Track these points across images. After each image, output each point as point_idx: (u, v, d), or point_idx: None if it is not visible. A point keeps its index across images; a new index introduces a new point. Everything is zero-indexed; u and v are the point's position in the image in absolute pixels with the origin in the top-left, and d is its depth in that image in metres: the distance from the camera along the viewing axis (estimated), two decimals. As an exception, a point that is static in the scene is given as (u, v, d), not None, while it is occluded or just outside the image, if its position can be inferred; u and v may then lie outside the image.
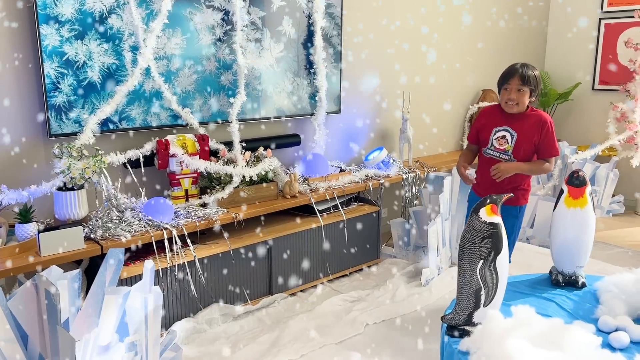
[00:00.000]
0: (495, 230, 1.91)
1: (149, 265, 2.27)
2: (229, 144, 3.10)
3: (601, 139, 4.79)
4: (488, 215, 1.91)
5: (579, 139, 5.24)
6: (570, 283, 2.41)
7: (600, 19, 5.15)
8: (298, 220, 3.26)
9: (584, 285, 2.39)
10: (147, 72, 2.80)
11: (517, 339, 1.71)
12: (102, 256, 2.48)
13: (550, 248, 2.47)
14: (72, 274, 2.02)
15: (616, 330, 2.07)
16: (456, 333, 1.98)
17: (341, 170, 3.68)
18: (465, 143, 4.84)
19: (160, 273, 2.64)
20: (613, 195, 4.69)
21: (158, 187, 3.01)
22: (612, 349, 1.94)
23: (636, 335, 2.02)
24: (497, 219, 1.92)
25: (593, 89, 5.24)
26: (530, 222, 4.00)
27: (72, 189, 2.54)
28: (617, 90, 4.86)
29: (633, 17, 4.70)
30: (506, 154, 2.62)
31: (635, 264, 3.65)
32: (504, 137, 2.61)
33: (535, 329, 1.79)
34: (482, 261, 1.91)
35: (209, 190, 3.00)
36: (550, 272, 2.50)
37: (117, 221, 2.64)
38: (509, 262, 2.45)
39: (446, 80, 4.59)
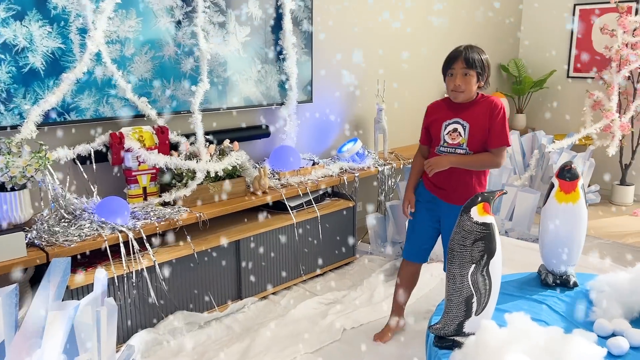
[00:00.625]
0: (488, 231, 1.73)
1: (100, 275, 2.02)
2: (191, 137, 2.85)
3: (577, 128, 4.71)
4: (480, 214, 1.73)
5: (555, 127, 5.15)
6: (561, 283, 2.25)
7: (575, 5, 5.05)
8: (269, 217, 3.03)
9: (575, 285, 2.25)
10: (97, 57, 2.52)
11: (515, 354, 1.53)
12: (49, 264, 2.21)
13: (539, 246, 2.32)
14: (8, 289, 1.76)
15: (613, 334, 1.93)
16: (446, 344, 1.79)
17: (314, 164, 3.47)
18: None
19: (116, 281, 2.38)
20: (589, 185, 4.61)
21: (113, 185, 2.73)
22: (611, 356, 1.80)
23: (635, 340, 1.87)
24: (490, 219, 1.74)
25: (568, 76, 5.15)
26: (509, 214, 3.87)
27: (12, 189, 2.25)
28: (593, 78, 4.77)
29: (609, 2, 4.60)
30: (461, 148, 2.32)
31: (615, 255, 3.56)
32: (455, 130, 2.32)
33: (534, 341, 1.62)
34: (474, 266, 1.73)
35: (170, 188, 2.74)
36: (539, 271, 2.34)
37: (66, 225, 2.36)
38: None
39: (421, 69, 4.41)
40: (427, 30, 4.41)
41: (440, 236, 2.50)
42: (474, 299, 1.75)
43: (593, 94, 4.54)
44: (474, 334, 1.75)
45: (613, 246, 3.76)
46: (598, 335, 1.90)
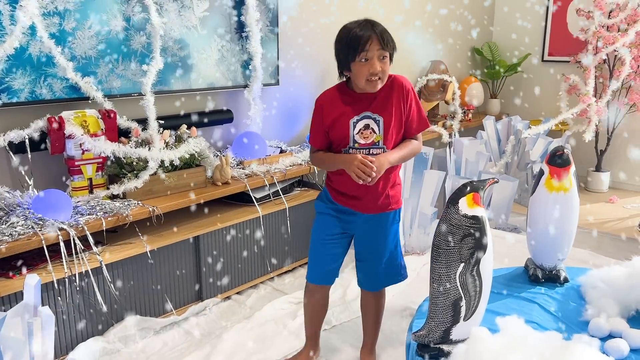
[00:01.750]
0: (478, 225, 1.52)
1: (31, 281, 1.74)
2: (143, 122, 2.56)
3: (552, 113, 4.57)
4: (469, 206, 1.52)
5: (530, 112, 5.01)
6: (551, 278, 2.08)
7: (549, -14, 4.90)
8: (232, 211, 2.78)
9: (566, 280, 2.07)
10: (32, 31, 2.21)
11: (513, 367, 1.33)
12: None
13: (527, 239, 2.13)
14: None
15: (610, 335, 1.76)
16: (431, 353, 1.59)
17: (281, 151, 3.22)
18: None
19: (56, 285, 2.10)
20: (565, 172, 4.49)
21: (52, 177, 2.43)
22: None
23: (635, 342, 1.70)
24: (481, 211, 1.53)
25: (543, 60, 5.00)
26: (485, 203, 3.71)
27: None
28: (568, 61, 4.64)
29: (584, -17, 4.46)
30: (377, 147, 1.90)
31: (594, 245, 3.44)
32: (367, 127, 1.89)
33: (531, 350, 1.43)
34: (462, 265, 1.52)
35: (119, 179, 2.46)
36: (527, 265, 2.17)
37: (-5, 222, 2.06)
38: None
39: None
40: (400, 11, 4.18)
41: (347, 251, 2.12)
42: (463, 302, 1.54)
43: (569, 78, 4.41)
44: (462, 341, 1.55)
45: (590, 235, 3.64)
46: (593, 336, 1.73)
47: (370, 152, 1.90)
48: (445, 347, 1.57)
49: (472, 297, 1.55)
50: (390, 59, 1.86)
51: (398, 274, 2.11)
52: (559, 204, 1.99)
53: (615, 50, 4.21)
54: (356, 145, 1.90)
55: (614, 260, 2.82)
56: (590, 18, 4.30)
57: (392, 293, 2.80)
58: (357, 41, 1.78)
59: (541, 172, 2.04)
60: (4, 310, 1.87)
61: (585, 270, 2.12)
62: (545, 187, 2.01)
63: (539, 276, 2.08)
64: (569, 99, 4.46)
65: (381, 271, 2.06)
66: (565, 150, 1.98)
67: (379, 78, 1.82)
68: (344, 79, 1.93)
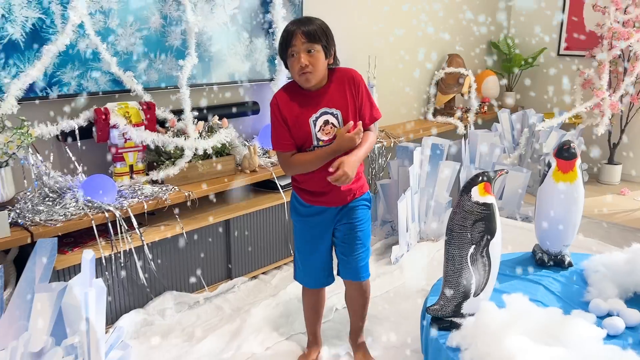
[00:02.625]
0: (488, 211, 1.69)
1: (87, 256, 1.96)
2: (178, 113, 2.76)
3: (567, 106, 4.68)
4: (481, 194, 1.69)
5: (545, 106, 5.13)
6: (556, 263, 2.24)
7: (566, -18, 4.98)
8: (259, 196, 2.97)
9: (570, 264, 2.24)
10: (80, 29, 2.41)
11: (516, 336, 1.52)
12: (33, 244, 2.13)
13: (535, 226, 2.30)
14: (-8, 272, 1.69)
15: (609, 314, 1.93)
16: (443, 325, 1.77)
17: (304, 141, 3.40)
18: (431, 111, 4.65)
19: (104, 261, 2.32)
20: (577, 164, 4.61)
21: (98, 163, 2.64)
22: (607, 335, 1.79)
23: (631, 320, 1.87)
24: (491, 199, 1.71)
25: (559, 54, 5.11)
26: (498, 193, 3.86)
27: (-7, 166, 2.16)
28: (584, 56, 4.74)
29: (601, -21, 4.54)
30: None
31: (602, 234, 3.58)
32: (327, 122, 1.88)
33: (533, 322, 1.61)
34: (473, 247, 1.70)
35: (157, 166, 2.66)
36: (534, 251, 2.33)
37: (50, 204, 2.28)
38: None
39: (409, 45, 4.34)
40: (418, 5, 4.32)
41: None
42: (473, 280, 1.72)
43: (584, 72, 4.52)
44: (472, 315, 1.73)
45: (600, 225, 3.78)
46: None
47: None
48: (457, 320, 1.75)
49: (482, 275, 1.72)
50: (327, 53, 1.85)
51: (367, 267, 2.11)
52: (564, 194, 2.14)
53: (629, 46, 4.31)
54: (320, 143, 1.90)
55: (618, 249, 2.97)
56: (606, 13, 4.40)
57: (408, 276, 2.99)
58: (284, 38, 1.82)
59: (549, 165, 2.19)
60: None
61: (588, 256, 2.28)
62: (552, 179, 2.17)
63: (545, 260, 2.25)
64: (584, 93, 4.57)
65: (361, 259, 2.07)
66: (572, 144, 2.13)
67: (310, 71, 1.81)
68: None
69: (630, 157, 4.85)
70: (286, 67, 1.90)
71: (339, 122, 1.90)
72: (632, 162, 4.85)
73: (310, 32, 1.80)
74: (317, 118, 1.89)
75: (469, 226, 1.69)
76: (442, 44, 4.66)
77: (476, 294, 1.73)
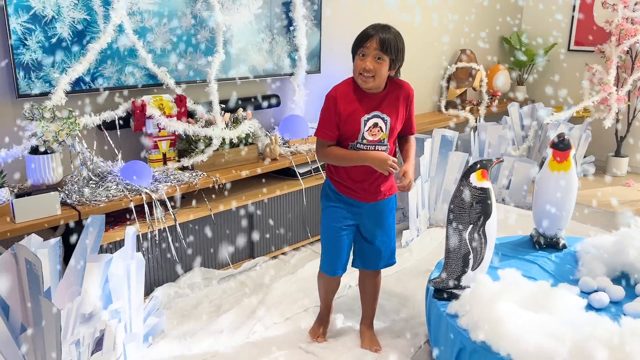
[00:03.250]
0: (485, 195, 1.91)
1: (130, 232, 2.22)
2: (205, 105, 3.00)
3: (576, 100, 4.84)
4: (479, 180, 1.91)
5: (554, 100, 5.29)
6: (551, 245, 2.45)
7: (578, -21, 5.12)
8: (279, 183, 3.21)
9: (564, 247, 2.44)
10: (120, 28, 2.66)
11: (506, 303, 1.74)
12: (79, 222, 2.40)
13: (532, 211, 2.50)
14: (53, 242, 1.95)
15: (596, 290, 2.13)
16: (444, 296, 2.00)
17: (321, 132, 3.62)
18: (443, 103, 4.85)
19: (140, 238, 2.58)
20: (585, 156, 4.78)
21: (134, 150, 2.90)
22: (593, 308, 2.00)
23: (615, 295, 2.08)
24: (487, 184, 1.92)
25: (569, 49, 5.26)
26: (506, 183, 4.05)
27: (45, 152, 2.42)
28: (593, 51, 4.89)
29: (611, -23, 4.68)
30: (382, 144, 2.08)
31: (606, 224, 3.76)
32: (376, 125, 2.03)
33: (523, 293, 1.82)
34: (471, 226, 1.92)
35: (187, 153, 2.92)
36: (532, 234, 2.54)
37: (94, 186, 2.55)
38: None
39: (423, 40, 4.53)
40: (430, 6, 4.50)
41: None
42: (471, 256, 1.94)
43: (592, 67, 4.67)
44: (469, 287, 1.95)
45: (605, 214, 3.96)
46: (582, 291, 2.11)
47: (376, 148, 2.06)
48: (456, 291, 1.98)
49: (479, 252, 1.94)
50: (392, 66, 2.00)
51: (393, 256, 2.31)
52: (559, 181, 2.35)
53: (637, 42, 4.45)
54: (364, 141, 2.05)
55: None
56: (615, 10, 4.54)
57: (417, 258, 3.22)
58: (361, 37, 1.98)
59: (547, 155, 2.40)
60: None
61: (582, 239, 2.49)
62: (548, 168, 2.37)
63: (541, 243, 2.46)
64: (592, 88, 4.73)
65: (384, 252, 2.25)
66: (566, 136, 2.32)
67: (372, 76, 1.96)
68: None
69: (636, 149, 5.00)
70: (353, 61, 2.04)
71: (386, 127, 2.06)
72: (638, 154, 5.00)
73: (385, 42, 1.93)
74: (368, 119, 2.03)
75: (468, 208, 1.91)
76: (455, 40, 4.84)
77: (473, 268, 1.96)
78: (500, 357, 1.66)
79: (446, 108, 4.82)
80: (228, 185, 2.96)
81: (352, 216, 2.17)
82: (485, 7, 5.02)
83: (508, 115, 4.58)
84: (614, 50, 4.55)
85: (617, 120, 4.82)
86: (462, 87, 4.79)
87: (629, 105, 4.78)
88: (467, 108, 4.77)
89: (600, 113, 4.71)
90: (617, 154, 4.95)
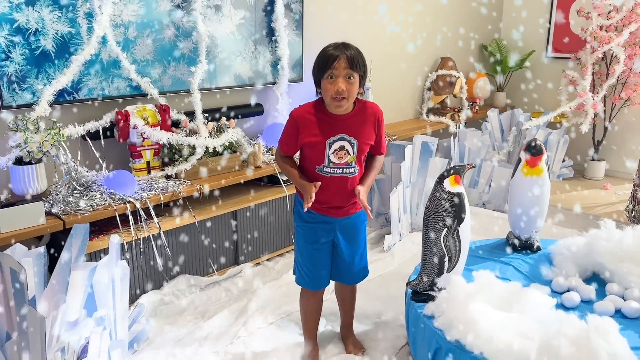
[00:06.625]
0: (458, 199, 1.98)
1: (114, 240, 2.25)
2: (190, 114, 3.05)
3: (554, 106, 4.95)
4: (452, 185, 1.98)
5: (533, 105, 5.41)
6: (526, 247, 2.53)
7: (554, -12, 5.25)
8: (263, 190, 3.27)
9: (538, 249, 2.52)
10: (103, 40, 2.71)
11: (479, 303, 1.80)
12: (64, 231, 2.43)
13: (507, 214, 2.58)
14: (37, 251, 1.99)
15: (568, 290, 2.21)
16: (421, 298, 2.06)
17: (304, 140, 3.68)
18: (424, 110, 4.94)
19: (125, 247, 2.61)
20: (563, 160, 4.89)
21: (119, 159, 2.94)
22: (565, 308, 2.08)
23: (586, 295, 2.16)
24: (461, 189, 1.99)
25: (546, 56, 5.38)
26: (486, 188, 4.14)
27: (29, 162, 2.46)
28: (569, 58, 5.01)
29: (585, -14, 4.81)
30: (350, 167, 2.03)
31: (584, 227, 3.85)
32: (342, 148, 1.99)
33: (496, 293, 1.89)
34: (446, 229, 1.98)
35: (171, 162, 2.96)
36: (507, 237, 2.62)
37: (78, 195, 2.58)
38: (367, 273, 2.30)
39: (404, 47, 4.62)
40: (411, 10, 4.60)
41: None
42: (446, 259, 2.01)
43: (569, 75, 4.79)
44: (445, 288, 2.02)
45: (582, 217, 4.05)
46: (555, 291, 2.19)
47: (343, 171, 2.03)
48: (432, 293, 2.04)
49: (454, 254, 2.01)
50: (361, 82, 1.96)
51: (367, 268, 2.32)
52: (532, 185, 2.43)
53: (610, 49, 4.58)
54: (330, 164, 2.02)
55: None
56: (589, 19, 4.67)
57: (400, 262, 3.28)
58: (326, 59, 1.90)
59: (519, 159, 2.48)
60: (89, 264, 2.39)
61: (556, 241, 2.57)
62: (522, 172, 2.45)
63: (517, 245, 2.53)
64: (569, 94, 4.85)
65: (358, 265, 2.25)
66: (538, 142, 2.41)
67: (344, 98, 1.90)
68: (320, 96, 2.02)
69: (612, 153, 5.12)
70: (316, 85, 1.98)
71: (353, 150, 2.01)
72: (615, 158, 5.12)
73: (354, 59, 1.89)
74: (334, 141, 1.98)
75: (442, 212, 1.98)
76: (435, 47, 4.94)
77: (449, 271, 2.02)
78: (473, 356, 1.72)
79: (427, 115, 4.91)
80: (212, 193, 3.01)
81: (326, 233, 2.15)
82: (465, 14, 5.13)
83: (488, 121, 4.68)
84: (589, 57, 4.67)
85: (594, 125, 4.94)
86: (443, 94, 4.88)
87: (604, 111, 4.90)
88: (448, 115, 4.86)
89: (577, 118, 4.83)
90: (595, 158, 5.07)
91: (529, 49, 5.38)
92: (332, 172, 2.03)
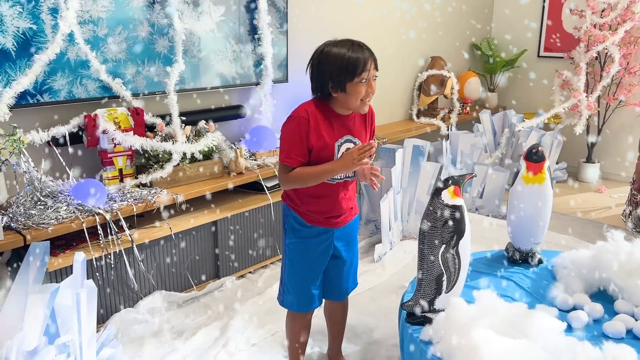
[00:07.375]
0: (458, 213, 1.80)
1: (79, 258, 2.04)
2: (165, 117, 2.85)
3: (547, 107, 4.82)
4: (451, 197, 1.80)
5: (526, 106, 5.27)
6: (527, 260, 2.36)
7: (546, -15, 5.12)
8: (245, 198, 3.07)
9: (540, 262, 2.36)
10: (70, 38, 2.49)
11: (482, 329, 1.63)
12: (26, 247, 2.21)
13: (507, 225, 2.41)
14: (-12, 273, 1.78)
15: (574, 308, 2.04)
16: (417, 320, 1.88)
17: (289, 144, 3.49)
18: (415, 111, 4.77)
19: (95, 262, 2.40)
20: (557, 163, 4.75)
21: (88, 167, 2.73)
22: (571, 328, 1.91)
23: (594, 314, 1.99)
24: (460, 201, 1.82)
25: (539, 56, 5.24)
26: (479, 192, 3.98)
27: (-14, 172, 2.24)
28: (562, 57, 4.88)
29: (579, -17, 4.68)
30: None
31: (580, 232, 3.71)
32: (348, 150, 1.88)
33: (499, 316, 1.72)
34: (444, 246, 1.81)
35: (146, 170, 2.75)
36: (507, 249, 2.45)
37: (42, 207, 2.36)
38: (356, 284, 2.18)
39: (393, 48, 4.45)
40: (401, 8, 4.43)
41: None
42: (444, 278, 1.83)
43: (562, 74, 4.65)
44: (443, 310, 1.84)
45: (577, 222, 3.91)
46: (560, 309, 2.02)
47: (347, 175, 1.92)
48: (429, 315, 1.86)
49: (452, 273, 1.83)
50: None
51: (356, 280, 2.18)
52: (534, 194, 2.26)
53: (605, 48, 4.45)
54: None
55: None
56: (583, 17, 4.53)
57: (390, 273, 3.11)
58: (356, 62, 1.78)
59: (519, 167, 2.31)
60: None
61: (558, 253, 2.40)
62: (522, 180, 2.28)
63: (517, 258, 2.36)
64: (563, 94, 4.71)
65: (352, 275, 2.13)
66: (540, 148, 2.24)
67: (370, 99, 1.86)
68: (320, 98, 1.88)
69: (607, 155, 5.00)
70: (339, 90, 1.80)
71: None
72: (609, 160, 5.00)
73: (376, 59, 1.84)
74: (341, 143, 1.88)
75: (440, 227, 1.80)
76: (425, 47, 4.77)
77: (447, 291, 1.84)
78: (477, 388, 1.54)
79: (417, 116, 4.75)
80: (190, 202, 2.80)
81: (326, 247, 2.00)
82: (455, 14, 4.97)
83: (480, 123, 4.53)
84: (583, 56, 4.53)
85: (588, 127, 4.81)
86: (433, 95, 4.72)
87: (599, 112, 4.77)
88: (439, 116, 4.70)
89: (571, 119, 4.69)
90: (588, 160, 4.94)
91: (520, 48, 5.24)
92: (338, 177, 1.91)
